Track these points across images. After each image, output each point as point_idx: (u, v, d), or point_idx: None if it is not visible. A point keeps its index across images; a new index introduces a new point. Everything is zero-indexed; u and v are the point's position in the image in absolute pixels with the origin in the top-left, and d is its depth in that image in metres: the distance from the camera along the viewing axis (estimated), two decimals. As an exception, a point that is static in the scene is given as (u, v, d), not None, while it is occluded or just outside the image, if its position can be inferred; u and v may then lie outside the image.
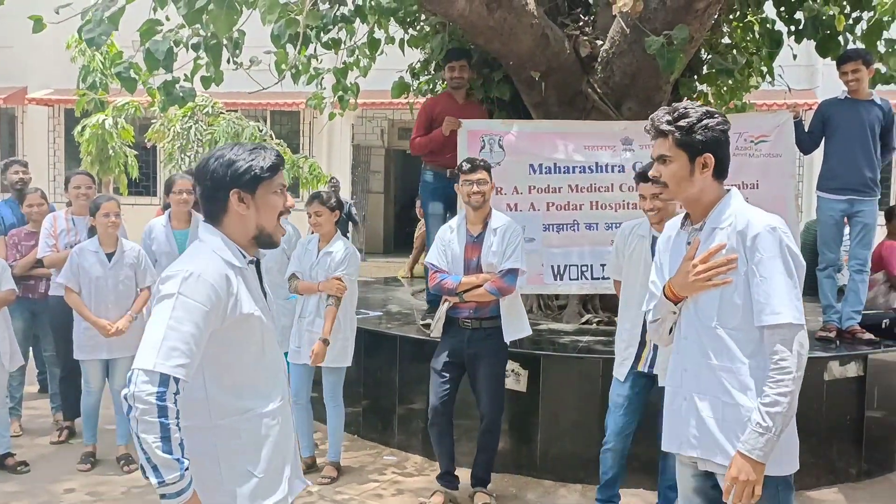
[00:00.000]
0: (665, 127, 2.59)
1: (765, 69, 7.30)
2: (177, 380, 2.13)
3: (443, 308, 4.68)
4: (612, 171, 5.75)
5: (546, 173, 5.87)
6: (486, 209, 4.64)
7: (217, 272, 2.27)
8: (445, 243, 4.68)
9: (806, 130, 5.96)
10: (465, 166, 4.57)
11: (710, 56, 6.65)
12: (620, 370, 4.31)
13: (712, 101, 7.55)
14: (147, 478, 2.12)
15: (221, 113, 13.60)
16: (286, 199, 2.46)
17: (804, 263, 2.52)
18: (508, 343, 4.69)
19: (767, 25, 7.03)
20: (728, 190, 2.64)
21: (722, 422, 2.52)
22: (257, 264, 2.48)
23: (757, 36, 6.96)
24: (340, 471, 5.23)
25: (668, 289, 2.65)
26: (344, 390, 5.25)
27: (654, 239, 4.26)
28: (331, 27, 6.08)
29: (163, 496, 2.13)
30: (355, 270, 5.09)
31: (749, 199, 5.62)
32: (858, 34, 7.33)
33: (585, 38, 6.43)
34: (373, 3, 6.03)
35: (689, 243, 2.65)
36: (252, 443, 2.36)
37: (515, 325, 4.67)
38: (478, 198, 4.53)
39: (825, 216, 5.77)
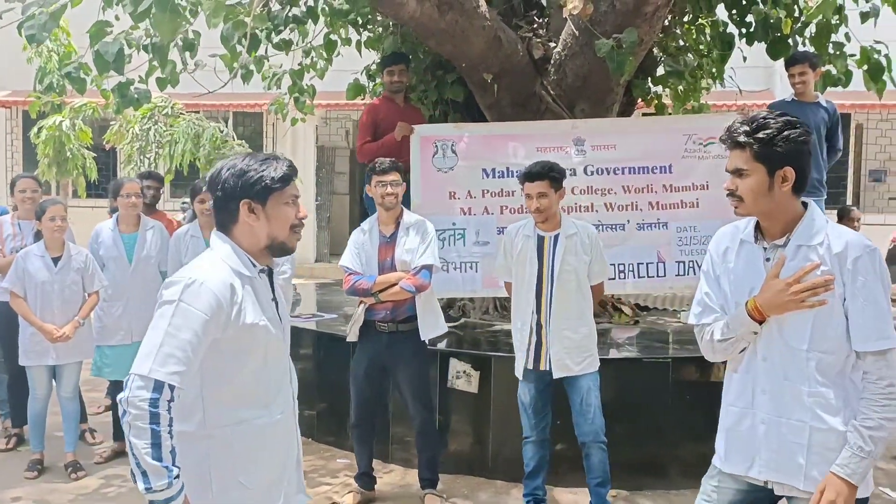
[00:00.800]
0: (743, 139, 2.45)
1: (715, 71, 7.36)
2: (172, 387, 2.13)
3: (359, 311, 4.70)
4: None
5: (499, 177, 5.89)
6: (398, 210, 4.70)
7: (221, 281, 2.27)
8: (359, 245, 4.71)
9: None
10: (378, 167, 4.60)
11: (663, 58, 6.70)
12: (524, 366, 4.45)
13: (668, 102, 7.63)
14: (136, 483, 2.13)
15: (181, 114, 13.48)
16: (299, 209, 2.45)
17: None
18: (427, 342, 4.75)
19: (719, 28, 7.09)
20: (806, 204, 2.51)
21: (809, 447, 2.45)
22: (269, 273, 2.47)
23: (708, 38, 7.03)
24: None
25: (753, 307, 2.48)
26: (299, 394, 5.22)
27: (540, 238, 4.36)
28: (282, 28, 6.04)
29: (151, 503, 2.13)
30: (291, 273, 5.10)
31: (699, 200, 5.86)
32: (808, 37, 7.48)
33: (539, 40, 6.47)
34: (324, 5, 6.01)
35: (767, 260, 2.53)
36: (246, 454, 2.34)
37: (431, 324, 4.72)
38: (391, 199, 4.59)
39: (774, 216, 5.84)
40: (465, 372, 5.23)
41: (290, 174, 2.40)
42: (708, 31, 7.04)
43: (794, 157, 2.42)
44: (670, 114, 7.47)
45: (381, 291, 4.56)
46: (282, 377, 2.45)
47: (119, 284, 5.48)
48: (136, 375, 2.13)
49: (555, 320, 4.37)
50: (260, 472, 2.36)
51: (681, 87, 7.82)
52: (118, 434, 5.72)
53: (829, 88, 7.06)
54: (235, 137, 14.29)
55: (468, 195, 5.88)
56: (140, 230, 5.56)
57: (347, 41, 7.70)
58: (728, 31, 7.28)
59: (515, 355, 4.53)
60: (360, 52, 7.29)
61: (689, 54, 6.97)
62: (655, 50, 7.02)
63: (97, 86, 6.96)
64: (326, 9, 6.12)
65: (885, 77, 7.20)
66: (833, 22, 7.39)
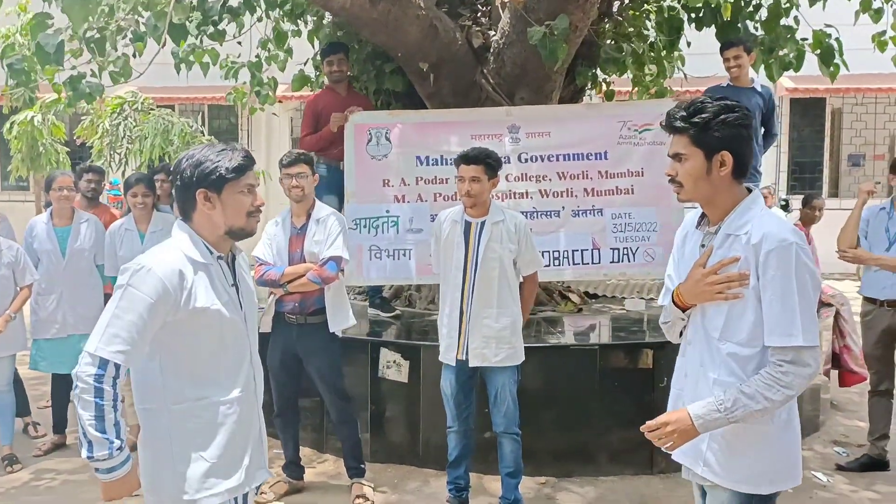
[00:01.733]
0: (679, 123, 2.45)
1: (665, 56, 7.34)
2: (117, 365, 2.29)
3: (269, 301, 4.71)
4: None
5: (433, 164, 5.89)
6: (308, 201, 4.70)
7: (170, 267, 2.39)
8: (271, 236, 4.73)
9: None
10: (285, 160, 4.62)
11: (607, 44, 6.67)
12: (448, 355, 4.44)
13: (625, 90, 7.61)
14: (80, 450, 2.33)
15: (152, 109, 13.45)
16: (255, 197, 2.52)
17: (820, 280, 2.44)
18: (339, 333, 4.75)
19: (664, 14, 7.07)
20: (750, 191, 2.48)
21: (710, 435, 2.44)
22: (232, 259, 2.59)
23: (653, 24, 7.00)
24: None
25: (675, 294, 2.55)
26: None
27: (467, 224, 4.36)
28: (215, 18, 6.01)
29: (96, 470, 2.33)
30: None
31: (633, 187, 5.86)
32: (759, 20, 7.46)
33: (478, 28, 6.46)
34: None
35: (703, 246, 2.54)
36: (206, 429, 2.47)
37: (340, 316, 4.73)
38: (297, 191, 4.59)
39: (710, 202, 5.84)
40: (395, 361, 5.24)
41: (245, 164, 2.49)
42: (653, 17, 7.00)
43: (732, 141, 2.40)
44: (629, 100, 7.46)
45: (289, 282, 4.57)
46: (241, 357, 2.56)
47: (53, 278, 5.49)
48: (85, 352, 2.30)
49: (475, 308, 4.36)
50: (219, 447, 2.48)
51: (649, 73, 7.82)
52: (59, 427, 5.74)
53: (797, 73, 7.07)
54: (206, 132, 14.29)
55: (402, 182, 5.88)
56: (74, 223, 5.56)
57: (298, 32, 7.70)
58: (678, 16, 7.27)
59: (441, 342, 4.52)
60: (311, 43, 7.27)
61: (633, 42, 6.92)
62: (602, 37, 7.01)
63: (48, 79, 6.95)
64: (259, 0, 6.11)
65: (838, 61, 7.25)
66: (784, 6, 7.41)
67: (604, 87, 7.54)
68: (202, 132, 13.76)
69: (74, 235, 5.52)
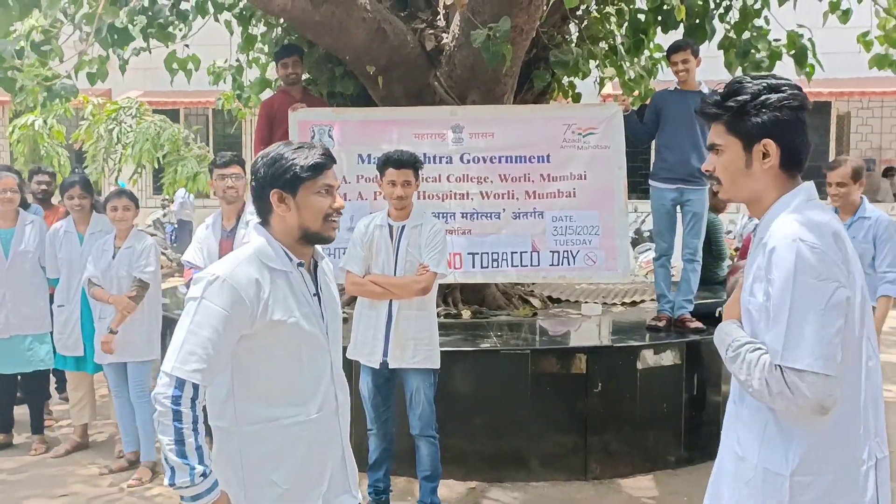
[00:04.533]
0: (712, 109, 2.07)
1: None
2: (195, 385, 2.14)
3: None
4: (440, 161, 5.76)
5: (374, 163, 5.86)
6: (239, 203, 4.69)
7: (246, 276, 2.24)
8: (201, 240, 4.72)
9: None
10: (219, 161, 4.62)
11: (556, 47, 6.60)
12: (372, 358, 4.40)
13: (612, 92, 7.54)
14: (165, 478, 2.18)
15: (147, 114, 13.63)
16: (334, 199, 2.36)
17: (834, 290, 1.90)
18: None
19: (625, 17, 7.00)
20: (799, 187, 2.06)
21: (730, 474, 2.10)
22: (314, 267, 2.44)
23: (612, 27, 6.93)
24: (156, 470, 5.18)
25: (719, 313, 2.25)
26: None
27: (391, 228, 4.33)
28: (161, 21, 6.05)
29: (181, 498, 2.17)
30: (157, 265, 5.11)
31: (575, 190, 5.80)
32: (731, 22, 7.36)
33: (431, 31, 6.43)
34: (203, -1, 6.05)
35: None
36: (278, 452, 2.31)
37: None
38: (232, 192, 4.59)
39: (657, 205, 5.77)
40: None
41: (322, 163, 2.34)
42: (615, 19, 6.93)
43: (775, 126, 2.00)
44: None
45: None
46: (320, 374, 2.37)
47: (-4, 279, 5.54)
48: (162, 372, 2.15)
49: (397, 310, 4.36)
50: (293, 471, 2.32)
51: (631, 75, 7.74)
52: (5, 426, 5.79)
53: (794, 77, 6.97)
54: (211, 136, 14.43)
55: (343, 180, 5.86)
56: (18, 225, 5.61)
57: (265, 36, 7.73)
58: (640, 18, 7.19)
59: (362, 346, 4.47)
60: (254, 45, 7.31)
61: (596, 44, 6.86)
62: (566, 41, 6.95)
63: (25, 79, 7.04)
64: (209, 3, 6.14)
65: (813, 61, 7.14)
66: (754, 7, 7.31)
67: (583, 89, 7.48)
68: (195, 138, 13.93)
69: (18, 237, 5.57)
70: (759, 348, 1.97)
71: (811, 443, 1.95)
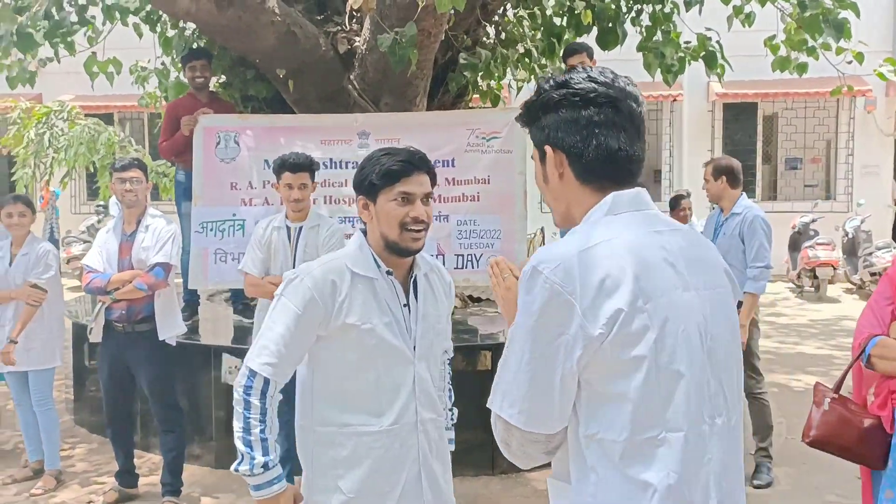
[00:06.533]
0: (520, 117, 1.74)
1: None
2: (266, 379, 2.21)
3: (96, 310, 4.69)
4: (347, 166, 5.79)
5: None
6: (140, 208, 4.69)
7: (324, 277, 2.26)
8: (101, 244, 4.71)
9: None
10: (118, 164, 4.62)
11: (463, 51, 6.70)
12: None
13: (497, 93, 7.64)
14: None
15: (80, 118, 13.42)
16: (413, 208, 2.27)
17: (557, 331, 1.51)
18: (171, 342, 4.72)
19: (538, 21, 7.12)
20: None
21: None
22: (416, 278, 2.39)
23: (527, 30, 7.05)
24: (61, 479, 5.16)
25: None
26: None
27: (288, 229, 4.39)
28: (64, 29, 6.00)
29: (249, 484, 2.26)
30: (56, 271, 5.06)
31: (479, 194, 5.88)
32: (643, 25, 7.53)
33: (344, 34, 6.47)
34: (109, 3, 6.00)
35: None
36: (348, 459, 2.29)
37: (169, 323, 4.71)
38: (131, 196, 4.58)
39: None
40: (237, 367, 5.22)
41: (398, 170, 2.27)
42: (528, 23, 7.05)
43: (556, 130, 1.61)
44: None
45: (116, 290, 4.55)
46: (399, 385, 2.32)
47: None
48: (243, 363, 2.26)
49: None
50: (359, 481, 2.29)
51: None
52: None
53: (733, 79, 7.15)
54: (133, 142, 14.25)
55: (249, 186, 5.87)
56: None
57: (187, 38, 7.69)
58: (553, 22, 7.32)
59: None
60: (166, 49, 7.28)
61: (511, 47, 6.97)
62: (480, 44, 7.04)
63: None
64: (112, 5, 6.12)
65: (722, 62, 7.34)
66: (664, 12, 7.50)
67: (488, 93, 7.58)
68: (130, 141, 13.75)
69: None
70: None
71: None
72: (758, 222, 4.91)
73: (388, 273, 2.34)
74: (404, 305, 2.35)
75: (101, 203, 15.15)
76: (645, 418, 1.50)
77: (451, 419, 2.67)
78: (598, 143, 1.58)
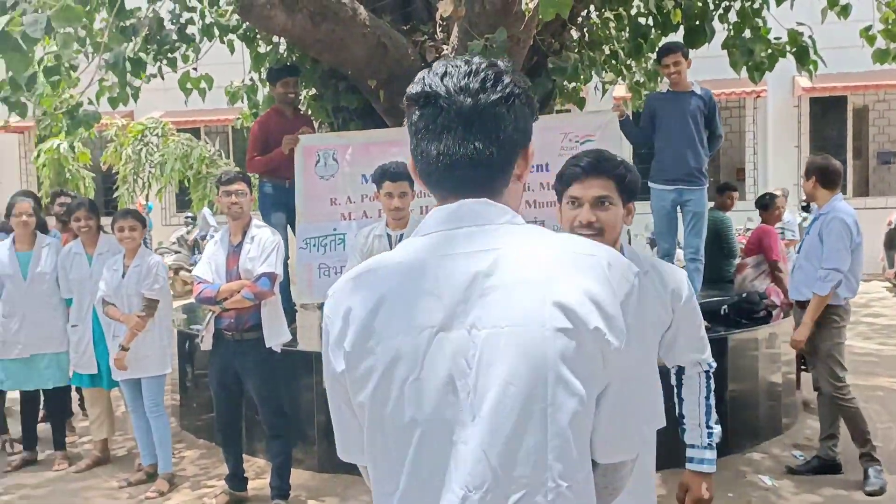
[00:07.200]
0: None
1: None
2: None
3: (207, 319, 4.83)
4: (441, 175, 5.85)
5: None
6: (245, 219, 4.81)
7: None
8: (210, 255, 4.86)
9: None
10: (224, 178, 4.75)
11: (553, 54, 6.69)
12: None
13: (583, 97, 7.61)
14: None
15: (172, 134, 13.90)
16: (582, 211, 2.32)
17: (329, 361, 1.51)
18: (277, 349, 4.84)
19: (624, 22, 7.07)
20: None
21: None
22: None
23: (613, 32, 7.01)
24: (173, 482, 5.35)
25: None
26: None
27: (389, 238, 4.46)
28: (167, 48, 6.23)
29: None
30: (164, 282, 5.26)
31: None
32: (731, 22, 7.40)
33: (432, 44, 6.54)
34: (208, 21, 6.21)
35: None
36: None
37: (276, 331, 4.83)
38: (236, 209, 4.71)
39: (657, 206, 5.84)
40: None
41: (569, 174, 2.35)
42: (613, 24, 7.01)
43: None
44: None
45: (225, 300, 4.70)
46: None
47: (15, 301, 5.72)
48: None
49: None
50: None
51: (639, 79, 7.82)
52: (29, 444, 5.97)
53: (818, 72, 7.01)
54: (231, 153, 14.68)
55: (348, 200, 6.01)
56: (35, 248, 5.80)
57: (279, 55, 7.88)
58: (640, 22, 7.25)
59: None
60: (257, 67, 7.46)
61: (597, 50, 6.94)
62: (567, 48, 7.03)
63: (47, 107, 7.26)
64: (211, 24, 6.32)
65: (815, 57, 7.16)
66: (753, 7, 7.35)
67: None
68: (220, 154, 14.17)
69: (35, 259, 5.75)
70: None
71: None
72: (835, 224, 4.77)
73: None
74: None
75: (190, 214, 15.64)
76: (379, 475, 1.39)
77: (704, 437, 2.64)
78: (421, 149, 1.45)
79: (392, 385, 1.32)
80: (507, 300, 1.31)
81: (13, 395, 6.34)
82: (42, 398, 6.08)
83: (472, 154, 1.39)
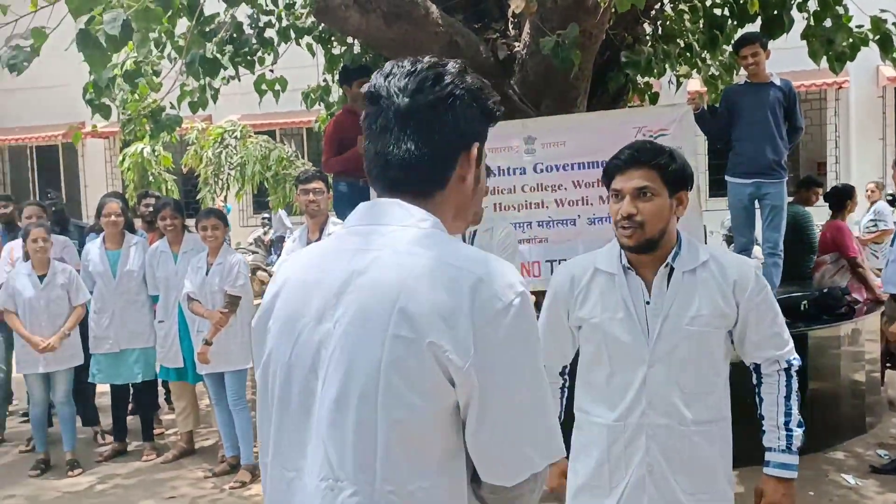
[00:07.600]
0: None
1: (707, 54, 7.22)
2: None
3: None
4: (514, 173, 5.86)
5: None
6: (322, 217, 4.91)
7: (567, 272, 2.47)
8: (289, 252, 4.96)
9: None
10: (302, 177, 4.86)
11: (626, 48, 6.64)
12: None
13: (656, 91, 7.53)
14: None
15: (250, 136, 14.22)
16: (622, 204, 2.32)
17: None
18: None
19: (699, 14, 6.96)
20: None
21: None
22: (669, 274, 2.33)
23: (688, 24, 6.91)
24: (255, 473, 5.45)
25: None
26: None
27: (463, 235, 4.48)
28: (246, 50, 6.39)
29: None
30: (246, 279, 5.42)
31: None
32: (811, 11, 7.22)
33: (504, 41, 6.57)
34: (284, 24, 6.35)
35: None
36: (582, 446, 2.43)
37: None
38: (314, 206, 4.81)
39: (734, 200, 5.75)
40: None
41: (612, 167, 2.42)
42: (688, 17, 6.91)
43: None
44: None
45: None
46: (627, 384, 2.32)
47: (106, 298, 5.97)
48: None
49: None
50: (589, 468, 2.38)
51: (714, 72, 7.71)
52: (119, 435, 6.22)
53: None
54: (306, 155, 14.96)
55: None
56: (123, 247, 6.03)
57: (350, 55, 8.02)
58: (715, 14, 7.13)
59: None
60: (331, 68, 7.57)
61: (670, 43, 6.86)
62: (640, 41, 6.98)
63: (132, 111, 7.53)
64: (288, 26, 6.46)
65: (898, 46, 6.94)
66: (836, -5, 7.15)
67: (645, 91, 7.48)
68: (297, 155, 14.45)
69: (124, 258, 5.99)
70: None
71: None
72: None
73: (627, 269, 2.34)
74: (646, 303, 2.31)
75: (266, 215, 15.98)
76: (263, 439, 1.49)
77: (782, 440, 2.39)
78: (366, 147, 1.47)
79: (269, 366, 1.42)
80: (364, 301, 1.33)
81: (103, 389, 6.62)
82: (131, 391, 6.32)
83: (405, 155, 1.39)
